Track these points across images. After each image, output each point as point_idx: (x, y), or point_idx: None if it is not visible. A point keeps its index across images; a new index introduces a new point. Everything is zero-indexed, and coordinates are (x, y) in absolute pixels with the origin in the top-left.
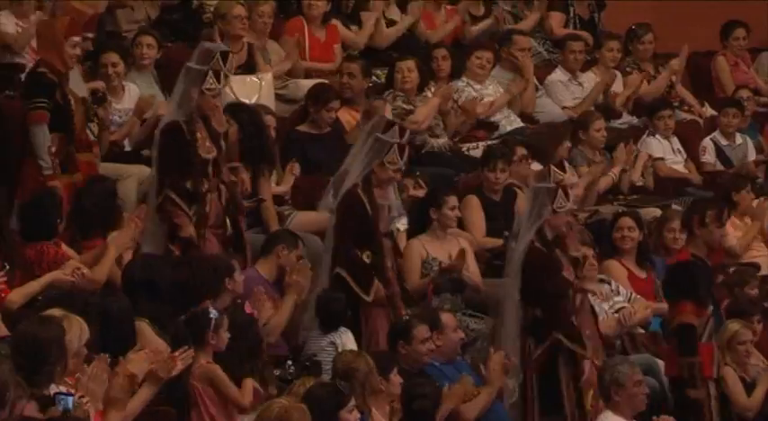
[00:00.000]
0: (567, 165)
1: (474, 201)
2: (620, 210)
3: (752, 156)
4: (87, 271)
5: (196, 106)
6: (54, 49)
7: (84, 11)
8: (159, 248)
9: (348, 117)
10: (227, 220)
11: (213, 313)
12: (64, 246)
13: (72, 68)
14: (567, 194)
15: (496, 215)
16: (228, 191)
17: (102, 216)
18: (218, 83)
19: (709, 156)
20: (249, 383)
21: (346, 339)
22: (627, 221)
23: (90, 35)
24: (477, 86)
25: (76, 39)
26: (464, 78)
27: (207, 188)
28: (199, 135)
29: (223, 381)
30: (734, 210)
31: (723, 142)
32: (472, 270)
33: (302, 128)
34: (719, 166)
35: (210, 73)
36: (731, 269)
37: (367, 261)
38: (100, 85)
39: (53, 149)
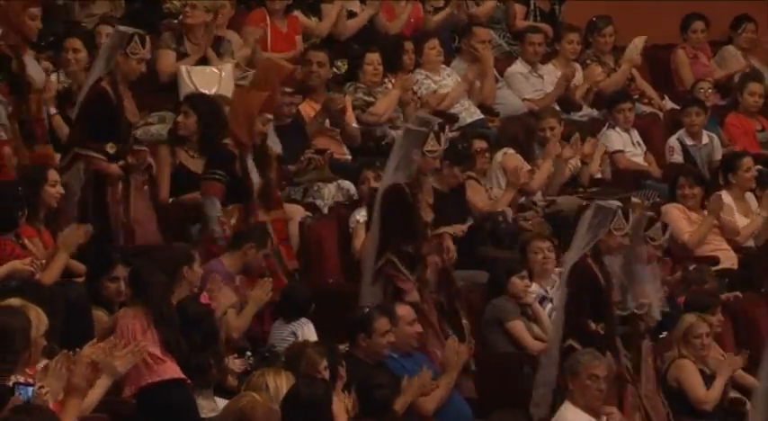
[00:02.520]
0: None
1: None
2: (583, 203)
3: (718, 155)
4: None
5: (417, 168)
6: (244, 122)
7: (285, 66)
8: None
9: (308, 109)
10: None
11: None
12: (26, 240)
13: (257, 143)
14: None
15: (446, 206)
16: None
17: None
18: (439, 144)
19: (677, 157)
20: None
21: (307, 330)
22: None
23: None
24: (436, 78)
25: (269, 116)
26: (422, 71)
27: (427, 251)
28: (420, 197)
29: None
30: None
31: (689, 142)
32: None
33: None
34: None
35: (432, 134)
36: (691, 266)
37: (601, 332)
38: None
39: (233, 221)
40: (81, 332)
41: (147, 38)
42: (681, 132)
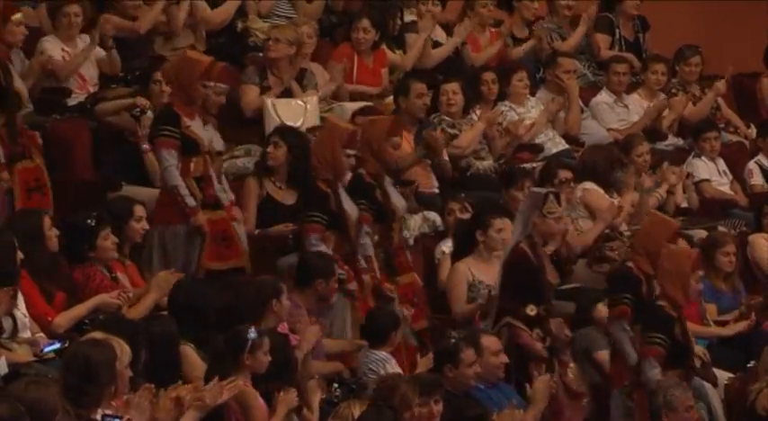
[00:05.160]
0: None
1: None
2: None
3: None
4: (132, 295)
5: None
6: (679, 282)
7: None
8: None
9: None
10: None
11: (251, 334)
12: (119, 274)
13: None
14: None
15: None
16: None
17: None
18: None
19: (757, 178)
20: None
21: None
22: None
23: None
24: (521, 110)
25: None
26: (507, 102)
27: None
28: None
29: (253, 409)
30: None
31: (767, 164)
32: None
33: None
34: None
35: None
36: None
37: None
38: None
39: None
40: (168, 367)
41: (561, 196)
42: (759, 156)
